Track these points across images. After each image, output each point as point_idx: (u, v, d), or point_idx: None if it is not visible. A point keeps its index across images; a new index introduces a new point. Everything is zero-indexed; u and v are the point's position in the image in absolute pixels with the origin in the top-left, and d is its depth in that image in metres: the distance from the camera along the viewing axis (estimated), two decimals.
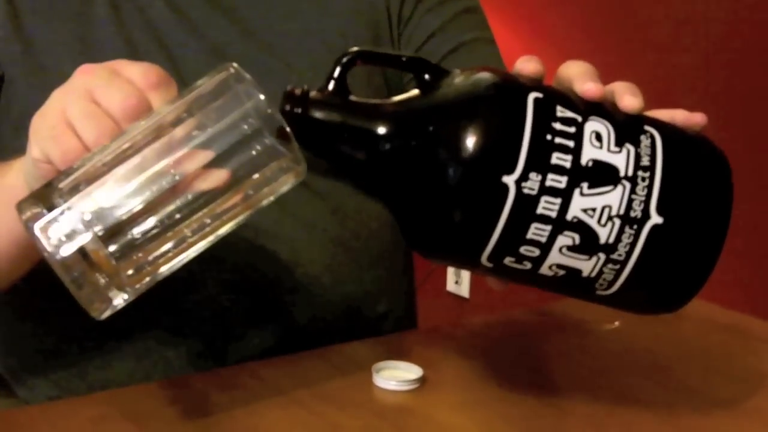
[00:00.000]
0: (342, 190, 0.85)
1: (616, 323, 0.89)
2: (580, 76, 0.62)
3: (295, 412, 0.67)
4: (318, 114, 0.62)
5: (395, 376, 0.72)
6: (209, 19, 0.86)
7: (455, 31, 0.93)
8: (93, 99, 0.59)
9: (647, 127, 0.61)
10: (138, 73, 0.60)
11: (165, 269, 0.58)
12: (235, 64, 0.58)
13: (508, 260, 0.59)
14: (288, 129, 0.57)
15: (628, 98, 0.61)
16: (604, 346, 0.84)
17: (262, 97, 0.57)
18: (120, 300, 0.57)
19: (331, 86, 0.63)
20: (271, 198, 0.60)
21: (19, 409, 0.82)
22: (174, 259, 0.58)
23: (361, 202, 0.87)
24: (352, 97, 0.63)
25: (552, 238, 0.58)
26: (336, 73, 0.63)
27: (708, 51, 1.60)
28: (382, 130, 0.61)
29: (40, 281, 0.74)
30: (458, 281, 2.23)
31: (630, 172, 0.58)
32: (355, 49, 0.64)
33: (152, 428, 0.65)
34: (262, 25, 0.87)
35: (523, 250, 0.59)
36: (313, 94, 0.62)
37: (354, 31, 0.90)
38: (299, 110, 0.61)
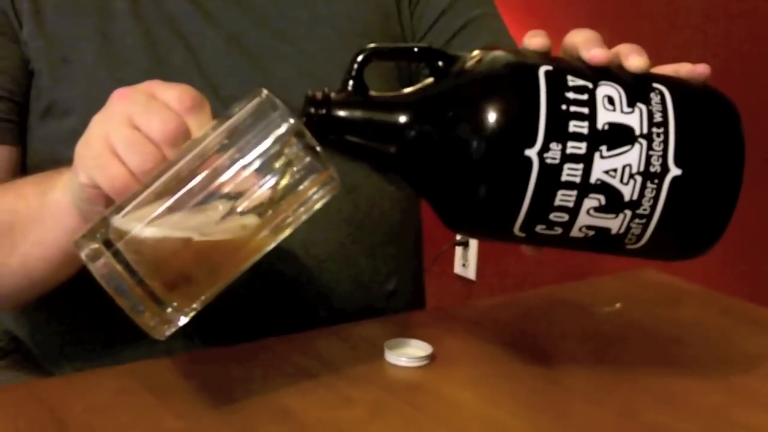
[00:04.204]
0: (356, 171, 0.85)
1: (617, 305, 0.91)
2: (585, 43, 0.63)
3: (309, 386, 0.69)
4: (342, 113, 0.63)
5: (406, 352, 0.74)
6: (224, 9, 0.88)
7: (464, 8, 0.96)
8: (133, 125, 0.61)
9: (655, 84, 0.63)
10: (174, 96, 0.62)
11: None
12: (266, 90, 0.60)
13: (539, 228, 0.62)
14: (319, 149, 0.59)
15: (634, 58, 0.63)
16: (605, 327, 0.85)
17: (293, 120, 0.59)
18: (178, 320, 0.60)
19: (350, 85, 0.64)
20: (310, 213, 0.62)
21: (45, 379, 0.84)
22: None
23: (375, 183, 0.89)
24: (372, 93, 0.65)
25: (579, 202, 0.60)
26: (354, 72, 0.64)
27: (712, 44, 1.61)
28: (406, 119, 0.63)
29: None
30: (465, 264, 2.24)
31: (645, 130, 0.60)
32: (370, 46, 0.65)
33: (172, 400, 0.66)
34: (274, 13, 0.89)
35: (552, 216, 0.61)
36: (334, 95, 0.64)
37: (362, 15, 0.92)
38: (323, 112, 0.63)
